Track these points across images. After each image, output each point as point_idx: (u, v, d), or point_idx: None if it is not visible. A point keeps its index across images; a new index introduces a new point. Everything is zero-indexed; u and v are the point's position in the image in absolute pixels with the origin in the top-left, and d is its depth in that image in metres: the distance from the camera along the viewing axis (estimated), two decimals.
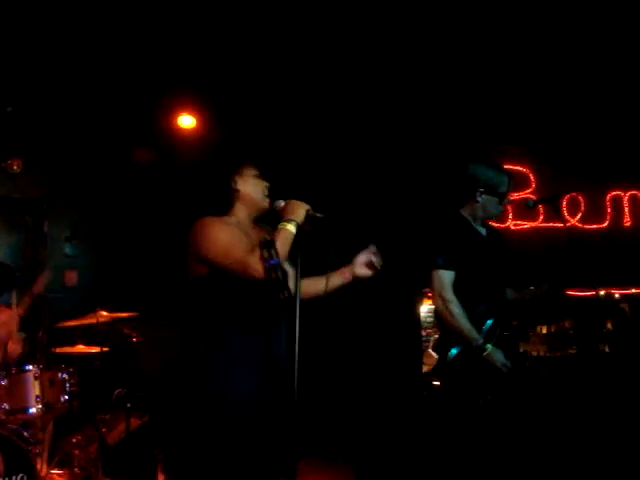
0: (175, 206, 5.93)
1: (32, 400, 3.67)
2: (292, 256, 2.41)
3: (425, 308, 5.09)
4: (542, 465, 3.73)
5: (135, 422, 4.42)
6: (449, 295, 2.93)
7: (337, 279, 2.64)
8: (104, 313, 4.18)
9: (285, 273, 2.34)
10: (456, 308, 2.91)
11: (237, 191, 2.53)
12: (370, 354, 5.51)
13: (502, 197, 3.09)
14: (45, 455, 4.00)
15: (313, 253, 2.38)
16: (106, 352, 4.21)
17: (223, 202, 2.53)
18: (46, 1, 4.67)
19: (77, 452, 4.06)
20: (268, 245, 2.28)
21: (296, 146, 5.65)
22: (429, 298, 5.06)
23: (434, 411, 3.51)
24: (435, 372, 3.25)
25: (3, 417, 3.59)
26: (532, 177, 5.77)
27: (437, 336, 4.89)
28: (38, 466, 3.63)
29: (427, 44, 5.15)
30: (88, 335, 4.38)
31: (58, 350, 4.31)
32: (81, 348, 4.28)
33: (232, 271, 2.35)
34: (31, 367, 3.77)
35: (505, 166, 3.38)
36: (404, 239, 5.44)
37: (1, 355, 4.28)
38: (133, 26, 4.96)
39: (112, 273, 5.72)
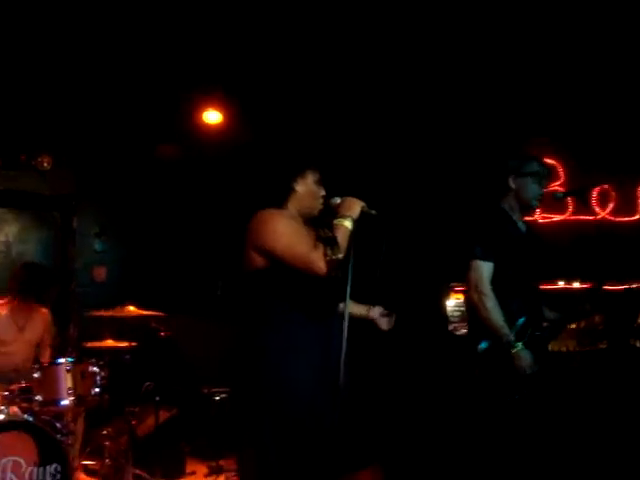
0: (202, 201, 5.99)
1: (64, 392, 3.72)
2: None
3: (452, 302, 5.06)
4: (572, 462, 3.69)
5: (164, 415, 4.48)
6: (485, 288, 2.88)
7: (361, 310, 2.85)
8: (132, 308, 4.23)
9: (346, 271, 2.40)
10: (490, 302, 2.86)
11: (295, 191, 2.60)
12: (397, 349, 5.50)
13: (535, 176, 3.04)
14: (77, 446, 4.07)
15: (364, 249, 2.46)
16: (135, 346, 4.25)
17: (279, 197, 2.60)
18: (72, 0, 4.73)
19: (108, 443, 4.12)
20: (331, 242, 2.34)
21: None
22: (456, 292, 5.03)
23: (462, 404, 3.48)
24: (463, 364, 3.22)
25: (37, 408, 3.64)
26: (560, 169, 5.69)
27: (464, 331, 4.88)
28: (71, 457, 3.69)
29: (456, 38, 5.10)
30: (117, 329, 4.44)
31: (88, 344, 4.37)
32: (110, 342, 4.34)
33: (295, 266, 2.40)
34: (63, 360, 3.82)
35: None
36: (431, 233, 5.41)
37: (34, 351, 4.37)
38: (159, 23, 5.00)
39: (140, 268, 5.79)
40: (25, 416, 3.51)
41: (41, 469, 3.36)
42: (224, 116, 5.88)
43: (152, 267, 5.81)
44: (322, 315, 2.46)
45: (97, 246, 5.78)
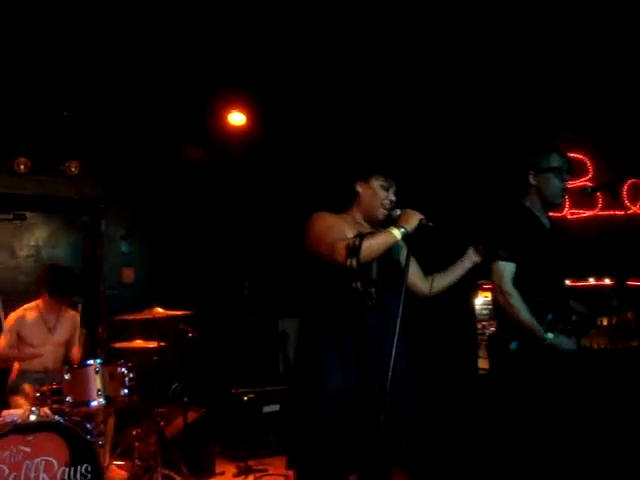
0: (227, 202, 6.02)
1: (94, 393, 3.77)
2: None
3: (480, 300, 4.99)
4: (603, 462, 3.61)
5: (192, 415, 4.51)
6: (508, 288, 2.86)
7: (459, 268, 2.96)
8: (160, 309, 4.26)
9: (367, 267, 2.48)
10: (516, 300, 2.84)
11: (358, 194, 2.70)
12: (425, 347, 5.46)
13: (556, 171, 2.97)
14: (107, 446, 4.13)
15: (422, 259, 2.67)
16: (163, 347, 4.28)
17: (342, 201, 2.71)
18: (98, 5, 4.78)
19: (137, 444, 4.16)
20: (360, 236, 2.43)
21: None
22: (484, 290, 4.97)
23: (492, 406, 3.44)
24: (493, 366, 3.18)
25: (67, 410, 3.70)
26: (589, 163, 5.58)
27: (493, 329, 4.82)
28: (101, 457, 3.74)
29: (481, 30, 5.04)
30: (145, 330, 4.47)
31: (117, 345, 4.42)
32: (139, 343, 4.38)
33: (323, 255, 2.51)
34: (92, 361, 3.87)
35: None
36: (458, 230, 5.36)
37: (64, 352, 4.44)
38: (183, 27, 5.03)
39: (167, 269, 5.84)
40: (56, 417, 3.56)
41: (72, 469, 3.41)
42: (248, 118, 5.90)
43: (179, 268, 5.86)
44: (353, 313, 2.53)
45: (124, 248, 5.84)
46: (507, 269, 2.87)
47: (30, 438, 3.34)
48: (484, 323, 5.00)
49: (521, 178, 3.03)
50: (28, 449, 3.33)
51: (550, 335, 2.79)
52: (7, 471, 3.27)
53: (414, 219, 2.55)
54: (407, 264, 2.49)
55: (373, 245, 2.45)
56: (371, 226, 2.70)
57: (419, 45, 5.18)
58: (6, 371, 4.33)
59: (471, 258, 2.97)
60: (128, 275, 5.82)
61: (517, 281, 2.87)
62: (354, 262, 2.39)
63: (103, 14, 4.85)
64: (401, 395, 2.57)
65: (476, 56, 5.26)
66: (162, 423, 4.18)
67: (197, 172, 5.99)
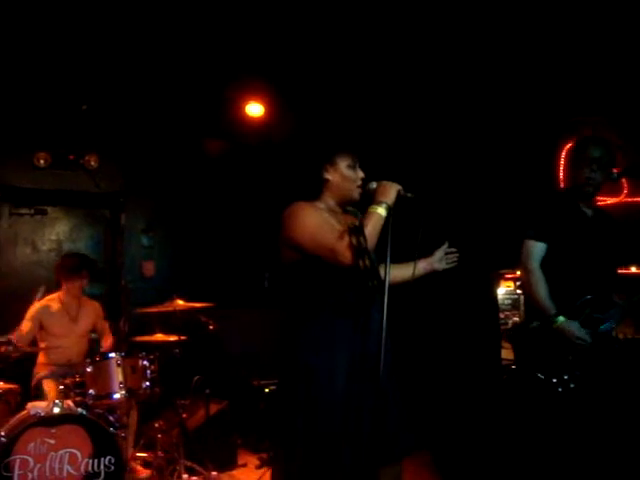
0: (247, 194, 6.01)
1: (116, 386, 3.80)
2: (383, 237, 2.42)
3: (502, 290, 4.93)
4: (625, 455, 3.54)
5: (214, 408, 4.51)
6: (531, 265, 2.91)
7: (422, 266, 2.73)
8: (180, 302, 4.27)
9: (374, 260, 2.35)
10: (534, 277, 2.90)
11: (327, 180, 2.56)
12: (447, 337, 5.42)
13: (596, 162, 2.96)
14: (130, 438, 4.15)
15: (402, 233, 2.42)
16: (184, 340, 4.29)
17: (313, 189, 2.58)
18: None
19: (160, 436, 4.18)
20: (357, 231, 2.28)
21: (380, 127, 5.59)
22: (507, 280, 4.91)
23: (510, 389, 3.42)
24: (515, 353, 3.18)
25: (90, 402, 3.73)
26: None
27: (516, 319, 4.76)
28: (124, 449, 3.75)
29: (500, 13, 4.95)
30: (166, 324, 4.48)
31: (138, 339, 4.44)
32: (160, 336, 4.39)
33: (321, 256, 2.38)
34: (114, 354, 3.90)
35: None
36: (482, 219, 5.30)
37: (87, 343, 4.47)
38: (199, 18, 5.01)
39: (187, 262, 5.86)
40: (79, 410, 3.58)
41: (96, 461, 3.44)
42: (266, 108, 5.88)
43: (200, 261, 5.87)
44: (357, 305, 2.42)
45: (145, 242, 5.86)
46: (535, 248, 2.92)
47: (54, 430, 3.38)
48: (507, 313, 4.95)
49: (572, 168, 3.03)
50: (52, 441, 3.37)
51: (561, 318, 2.80)
52: (32, 462, 3.31)
53: (392, 191, 2.43)
54: (389, 239, 2.36)
55: (372, 236, 2.34)
56: (343, 208, 2.60)
57: (439, 31, 5.10)
58: (31, 363, 4.36)
59: (433, 262, 2.76)
60: (149, 268, 5.84)
61: (549, 264, 2.91)
62: (367, 262, 2.27)
63: (121, 7, 4.84)
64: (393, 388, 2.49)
65: (499, 39, 5.16)
66: (184, 415, 4.19)
67: (216, 164, 5.98)
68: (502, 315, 4.95)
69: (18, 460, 3.28)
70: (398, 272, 2.62)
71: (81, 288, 4.47)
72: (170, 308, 4.24)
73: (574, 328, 2.81)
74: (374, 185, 2.49)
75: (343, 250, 2.30)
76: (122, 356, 3.89)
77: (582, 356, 2.81)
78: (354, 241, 2.26)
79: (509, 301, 4.92)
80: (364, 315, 2.42)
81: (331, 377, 2.34)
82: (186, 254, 5.91)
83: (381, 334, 2.28)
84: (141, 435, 4.37)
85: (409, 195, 2.47)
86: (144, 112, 5.73)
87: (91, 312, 4.52)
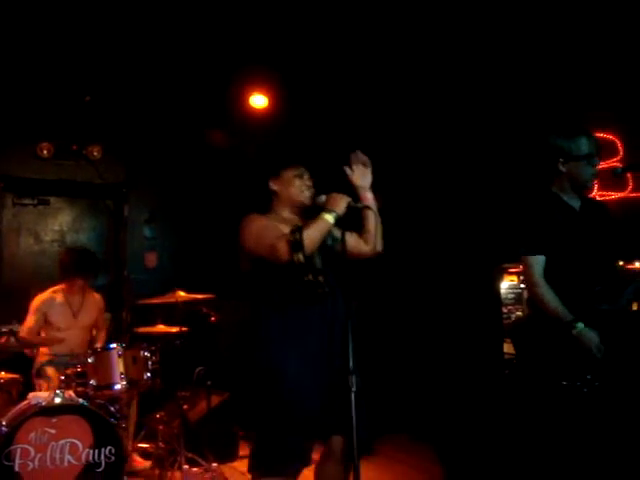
0: (249, 186, 5.99)
1: (117, 377, 3.80)
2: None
3: (506, 284, 4.92)
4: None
5: (215, 399, 4.51)
6: (534, 279, 2.86)
7: (368, 216, 2.77)
8: (182, 293, 4.26)
9: (311, 258, 2.50)
10: (541, 289, 2.83)
11: (275, 192, 2.75)
12: (450, 332, 5.40)
13: (586, 158, 2.88)
14: (131, 429, 4.16)
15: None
16: (186, 331, 4.29)
17: (264, 201, 2.76)
18: None
19: (161, 427, 4.18)
20: (295, 230, 2.46)
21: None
22: (510, 274, 4.89)
23: (524, 389, 3.39)
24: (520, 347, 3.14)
25: (91, 393, 3.74)
26: (619, 144, 5.43)
27: (519, 313, 4.75)
28: (125, 439, 3.77)
29: (504, 8, 4.91)
30: (168, 315, 4.48)
31: (140, 329, 4.44)
32: (162, 328, 4.39)
33: (262, 255, 2.54)
34: (115, 345, 3.90)
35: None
36: (483, 214, 5.28)
37: (89, 335, 4.48)
38: (202, 8, 4.98)
39: (190, 254, 5.85)
40: (80, 400, 3.58)
41: (96, 451, 3.44)
42: (270, 100, 5.85)
43: (202, 252, 5.86)
44: (313, 304, 2.54)
45: (148, 233, 5.86)
46: (533, 262, 2.86)
47: (55, 420, 3.39)
48: (510, 307, 4.93)
49: (549, 165, 2.95)
50: (53, 431, 3.37)
51: (580, 325, 2.72)
52: (33, 452, 3.31)
53: (342, 202, 2.55)
54: (344, 248, 2.48)
55: (312, 234, 2.46)
56: (300, 218, 2.71)
57: (444, 27, 5.07)
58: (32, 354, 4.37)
59: (356, 183, 2.79)
60: (151, 259, 5.84)
61: (552, 271, 2.84)
62: (300, 256, 2.43)
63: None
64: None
65: (500, 35, 5.13)
66: (185, 407, 4.19)
67: (219, 156, 5.96)
68: (505, 309, 4.94)
69: (19, 449, 3.28)
70: (314, 229, 2.53)
71: (85, 283, 4.44)
72: (172, 299, 4.24)
73: (594, 336, 2.72)
74: (323, 198, 2.62)
75: (280, 246, 2.46)
76: (123, 347, 3.89)
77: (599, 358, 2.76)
78: (290, 237, 2.44)
79: (512, 295, 4.90)
80: (311, 310, 2.54)
81: (282, 372, 2.46)
82: (188, 245, 5.90)
83: (334, 329, 2.48)
84: (142, 426, 4.38)
85: (359, 205, 2.63)
86: (147, 103, 5.71)
87: (93, 305, 4.51)
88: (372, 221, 2.75)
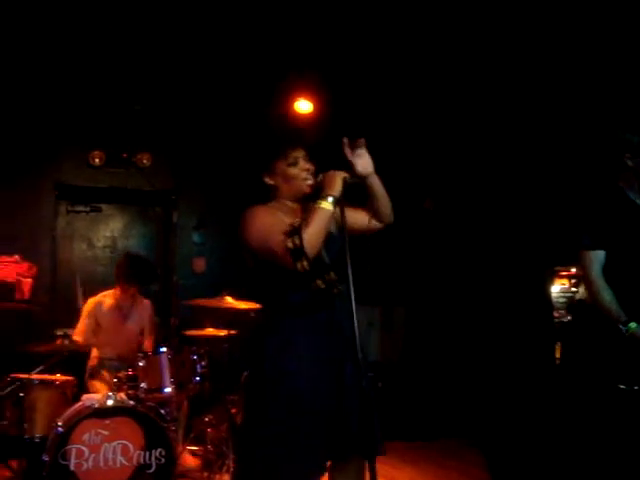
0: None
1: (167, 380, 3.85)
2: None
3: (557, 288, 4.80)
4: None
5: None
6: (592, 276, 2.79)
7: (372, 186, 2.44)
8: (230, 298, 4.29)
9: (321, 257, 2.30)
10: (597, 287, 2.76)
11: (271, 185, 2.51)
12: (500, 337, 5.31)
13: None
14: (181, 432, 4.21)
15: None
16: (233, 335, 4.32)
17: (265, 194, 2.54)
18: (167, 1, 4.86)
19: (210, 430, 4.21)
20: (293, 233, 2.21)
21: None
22: (561, 277, 4.77)
23: (577, 394, 3.30)
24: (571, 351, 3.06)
25: (142, 395, 3.79)
26: None
27: (569, 317, 4.62)
28: (175, 442, 3.82)
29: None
30: (216, 319, 4.53)
31: (188, 333, 4.49)
32: (210, 331, 4.43)
33: (271, 261, 2.31)
34: (165, 349, 3.96)
35: None
36: (536, 216, 5.17)
37: (137, 340, 4.55)
38: (248, 15, 5.04)
39: (238, 259, 5.87)
40: (131, 402, 3.65)
41: (147, 453, 3.50)
42: (315, 105, 5.87)
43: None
44: (321, 303, 2.34)
45: (196, 238, 5.94)
46: (592, 258, 2.79)
47: (108, 422, 3.46)
48: (561, 312, 4.81)
49: (616, 159, 2.88)
50: (106, 432, 3.45)
51: (633, 325, 2.65)
52: (87, 452, 3.40)
53: (337, 181, 2.27)
54: (344, 232, 2.25)
55: (312, 233, 2.19)
56: (301, 203, 2.47)
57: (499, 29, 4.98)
58: (85, 357, 4.48)
59: (358, 165, 2.41)
60: (199, 265, 5.91)
61: (612, 269, 2.77)
62: (305, 264, 2.18)
63: (170, 9, 4.92)
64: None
65: (568, 30, 5.00)
66: (233, 410, 4.21)
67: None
68: (556, 314, 4.82)
69: (74, 449, 3.37)
70: (313, 226, 2.25)
71: (138, 290, 4.51)
72: (220, 304, 4.27)
73: None
74: (320, 177, 2.37)
75: (284, 255, 2.21)
76: (173, 351, 3.95)
77: None
78: (289, 244, 2.19)
79: (563, 299, 4.78)
80: (321, 317, 2.35)
81: (294, 380, 2.28)
82: (237, 251, 5.93)
83: (344, 336, 2.24)
84: (191, 429, 4.43)
85: (357, 180, 2.34)
86: (194, 111, 5.81)
87: (142, 311, 4.56)
88: (378, 191, 2.44)
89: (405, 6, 4.84)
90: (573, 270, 4.61)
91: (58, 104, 5.45)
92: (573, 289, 4.59)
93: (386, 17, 4.98)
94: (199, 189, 5.98)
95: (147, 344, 4.49)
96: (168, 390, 3.86)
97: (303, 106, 5.87)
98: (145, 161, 5.65)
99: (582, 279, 2.91)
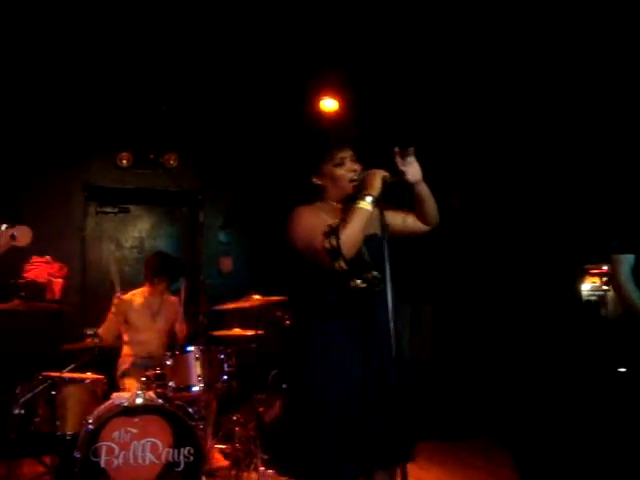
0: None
1: (195, 379, 3.88)
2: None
3: (587, 286, 4.71)
4: None
5: None
6: (621, 280, 2.78)
7: (423, 189, 2.43)
8: (257, 297, 4.31)
9: (363, 254, 2.31)
10: (627, 290, 2.76)
11: (319, 185, 2.50)
12: (530, 335, 5.24)
13: None
14: (209, 431, 4.23)
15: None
16: (261, 335, 4.33)
17: (312, 194, 2.53)
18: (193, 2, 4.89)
19: (238, 429, 4.23)
20: (331, 233, 2.23)
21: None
22: (592, 275, 4.69)
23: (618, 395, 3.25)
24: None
25: (170, 394, 3.83)
26: None
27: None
28: (203, 440, 3.84)
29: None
30: (243, 319, 4.54)
31: (216, 333, 4.52)
32: (237, 331, 4.46)
33: (315, 262, 2.32)
34: (193, 348, 3.99)
35: None
36: (567, 214, 5.09)
37: (166, 338, 4.59)
38: (274, 14, 5.05)
39: (265, 258, 5.91)
40: (160, 401, 3.68)
41: (176, 451, 3.52)
42: (340, 103, 5.86)
43: (276, 256, 5.90)
44: (359, 303, 2.33)
45: (223, 238, 5.97)
46: (622, 261, 2.77)
47: (137, 420, 3.49)
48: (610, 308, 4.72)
49: None
50: (135, 430, 3.48)
51: None
52: (117, 450, 3.43)
53: (377, 181, 2.28)
54: (384, 234, 2.25)
55: (350, 233, 2.22)
56: (344, 203, 2.46)
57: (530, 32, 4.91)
58: (116, 355, 4.53)
59: (410, 175, 2.39)
60: (226, 264, 5.94)
61: None
62: (342, 263, 2.21)
63: (196, 10, 4.95)
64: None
65: (596, 33, 4.92)
66: (261, 409, 4.22)
67: (292, 160, 5.99)
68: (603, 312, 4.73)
69: (104, 447, 3.41)
70: (351, 227, 2.27)
71: (166, 287, 4.57)
72: (247, 303, 4.29)
73: None
74: (361, 175, 2.38)
75: (323, 256, 2.25)
76: (201, 350, 3.97)
77: None
78: (326, 244, 2.22)
79: (594, 297, 4.69)
80: (359, 317, 2.34)
81: (331, 385, 2.27)
82: (263, 249, 5.97)
83: (384, 337, 2.22)
84: (219, 427, 4.45)
85: (396, 179, 2.33)
86: (220, 111, 5.83)
87: (171, 309, 4.61)
88: (426, 196, 2.43)
89: (436, 4, 4.81)
90: (604, 268, 4.52)
91: (86, 107, 5.52)
92: (604, 287, 4.51)
93: (417, 14, 4.95)
94: (225, 189, 6.02)
95: (180, 332, 4.46)
96: (196, 389, 3.89)
97: (329, 104, 5.86)
98: (172, 162, 5.70)
99: (613, 281, 2.90)
